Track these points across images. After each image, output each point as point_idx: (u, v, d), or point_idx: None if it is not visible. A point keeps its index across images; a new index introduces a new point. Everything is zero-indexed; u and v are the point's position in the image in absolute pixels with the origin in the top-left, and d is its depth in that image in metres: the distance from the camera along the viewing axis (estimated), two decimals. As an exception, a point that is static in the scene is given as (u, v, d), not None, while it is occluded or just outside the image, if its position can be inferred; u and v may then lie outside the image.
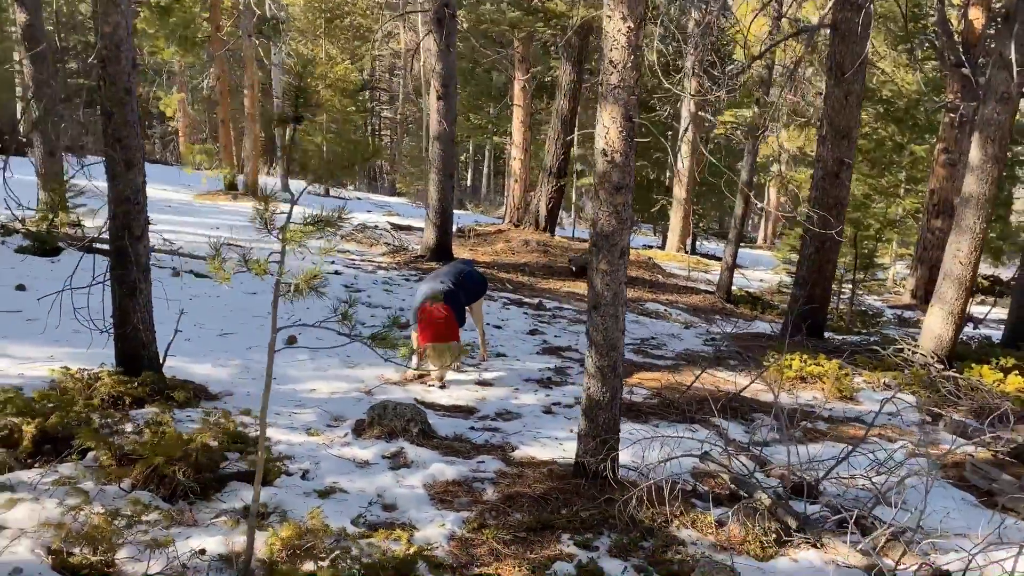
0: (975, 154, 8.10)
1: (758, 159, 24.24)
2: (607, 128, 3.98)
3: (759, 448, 5.28)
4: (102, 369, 5.15)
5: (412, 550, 3.50)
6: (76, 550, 3.25)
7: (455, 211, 28.11)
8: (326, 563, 3.17)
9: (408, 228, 16.63)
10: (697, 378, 6.93)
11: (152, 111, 32.72)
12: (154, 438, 4.08)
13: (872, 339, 10.89)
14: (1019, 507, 5.01)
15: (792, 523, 4.31)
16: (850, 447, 5.12)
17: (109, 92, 4.70)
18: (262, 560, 3.35)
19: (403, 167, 34.88)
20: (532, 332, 8.87)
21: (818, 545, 4.19)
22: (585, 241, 18.64)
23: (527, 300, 10.46)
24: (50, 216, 9.67)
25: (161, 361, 5.44)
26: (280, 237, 2.98)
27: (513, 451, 5.21)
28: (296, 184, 27.04)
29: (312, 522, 3.55)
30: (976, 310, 16.21)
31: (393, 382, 6.54)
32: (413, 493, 4.37)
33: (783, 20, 12.05)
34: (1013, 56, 7.28)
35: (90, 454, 4.08)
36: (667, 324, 10.80)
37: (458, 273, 6.99)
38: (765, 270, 21.48)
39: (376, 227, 15.19)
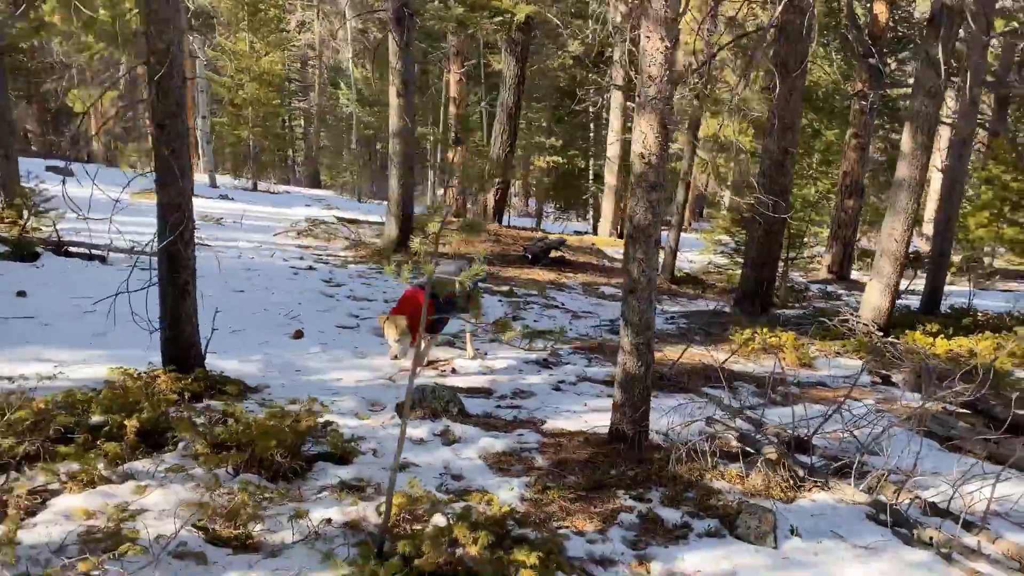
0: (906, 143, 9.05)
1: (680, 146, 25.31)
2: (644, 134, 4.55)
3: (760, 411, 5.98)
4: (157, 369, 5.41)
5: (504, 510, 3.99)
6: (216, 526, 3.63)
7: (378, 202, 28.26)
8: (453, 520, 3.63)
9: (355, 221, 16.81)
10: (683, 353, 7.61)
11: (51, 107, 31.59)
12: (237, 426, 4.45)
13: (811, 312, 11.89)
14: (976, 448, 5.87)
15: (800, 471, 5.01)
16: (833, 407, 5.88)
17: (162, 105, 4.97)
18: (380, 525, 3.80)
19: (327, 159, 34.71)
20: (514, 318, 9.40)
21: (826, 488, 4.89)
22: (526, 230, 19.25)
23: (497, 288, 10.97)
24: (20, 222, 9.61)
25: (203, 359, 5.74)
26: (431, 240, 3.40)
27: (543, 424, 5.76)
28: (221, 179, 26.74)
29: (414, 490, 4.00)
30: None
31: (407, 369, 6.96)
32: (473, 464, 4.87)
33: (719, 18, 12.89)
34: (940, 56, 8.20)
35: (180, 444, 4.41)
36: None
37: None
38: (692, 251, 22.54)
39: (330, 222, 15.37)
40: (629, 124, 22.74)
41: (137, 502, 3.71)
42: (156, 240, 5.31)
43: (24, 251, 8.95)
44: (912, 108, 9.03)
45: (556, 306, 10.56)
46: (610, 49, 22.12)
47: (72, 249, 9.57)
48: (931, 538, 4.29)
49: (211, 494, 3.76)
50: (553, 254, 14.34)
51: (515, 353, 7.86)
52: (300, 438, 4.40)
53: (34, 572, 3.00)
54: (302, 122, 41.14)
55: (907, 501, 4.77)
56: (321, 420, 4.94)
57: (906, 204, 9.16)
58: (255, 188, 25.86)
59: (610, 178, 21.94)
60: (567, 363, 7.63)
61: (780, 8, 8.31)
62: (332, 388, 6.17)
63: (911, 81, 22.48)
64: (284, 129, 34.40)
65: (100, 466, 3.96)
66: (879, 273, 9.58)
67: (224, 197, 19.28)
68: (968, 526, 4.49)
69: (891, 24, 19.24)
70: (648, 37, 4.38)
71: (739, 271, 15.32)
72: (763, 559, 3.94)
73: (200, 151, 24.87)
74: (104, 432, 4.28)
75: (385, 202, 28.14)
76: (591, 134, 26.06)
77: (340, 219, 16.57)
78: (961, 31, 10.35)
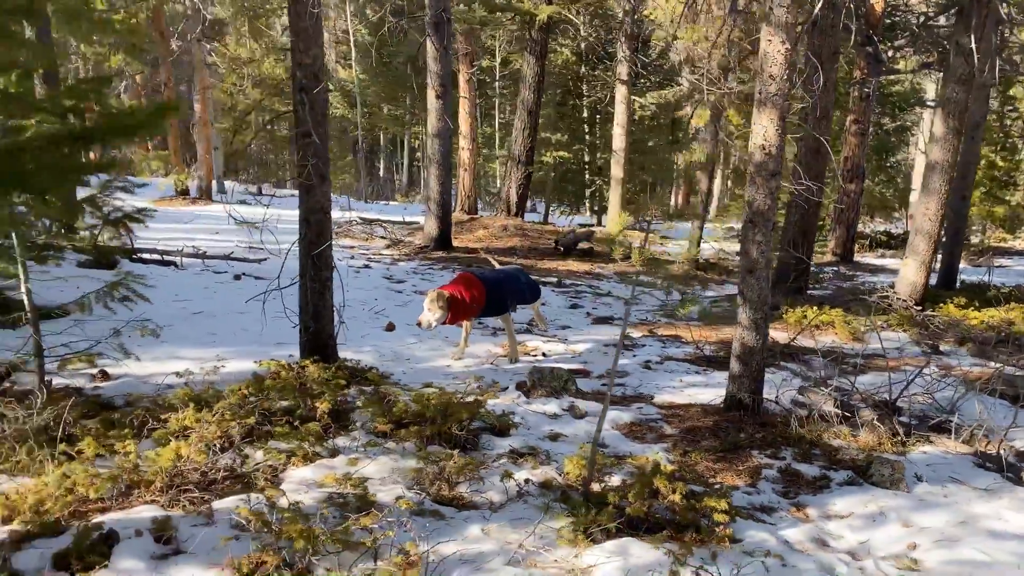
0: (939, 127, 9.62)
1: (681, 137, 25.85)
2: (765, 128, 5.03)
3: (853, 379, 6.49)
4: (303, 360, 5.81)
5: (669, 468, 4.46)
6: (431, 490, 4.07)
7: (384, 203, 28.60)
8: (620, 479, 4.09)
9: (377, 221, 17.18)
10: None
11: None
12: (410, 406, 4.88)
13: (833, 290, 12.45)
14: (1046, 405, 6.43)
15: (901, 429, 5.53)
16: (914, 373, 6.41)
17: (312, 115, 5.38)
18: (568, 483, 4.27)
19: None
20: (573, 307, 9.87)
21: (929, 442, 5.42)
22: (541, 224, 19.69)
23: (546, 279, 11.43)
24: (95, 232, 9.91)
25: (337, 350, 6.15)
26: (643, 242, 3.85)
27: (652, 399, 6.24)
28: (228, 184, 26.95)
29: (585, 451, 4.47)
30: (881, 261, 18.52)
31: (502, 355, 7.41)
32: (610, 433, 5.33)
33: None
34: (973, 45, 8.76)
35: (359, 423, 4.85)
36: (664, 293, 12.01)
37: (510, 276, 7.74)
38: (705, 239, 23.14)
39: (357, 222, 15.73)
40: (634, 116, 23.31)
41: (356, 472, 4.14)
42: (300, 240, 5.70)
43: (104, 259, 9.27)
44: (944, 94, 9.61)
45: (604, 293, 11.04)
46: (612, 46, 22.64)
47: (145, 256, 9.90)
48: (1036, 479, 4.83)
49: (424, 463, 4.21)
50: (582, 246, 14.82)
51: (590, 337, 8.33)
52: (472, 415, 4.85)
53: (319, 526, 3.42)
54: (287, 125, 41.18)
55: (1004, 451, 5.31)
56: (470, 399, 5.40)
57: (939, 185, 9.74)
58: (260, 192, 26.07)
59: (616, 170, 22.37)
60: (643, 345, 8.12)
61: (820, 4, 8.82)
62: (447, 373, 6.60)
63: (902, 67, 23.17)
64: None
65: (307, 443, 4.38)
66: (914, 251, 10.15)
67: (242, 202, 19.55)
68: (1062, 469, 5.03)
69: (885, 12, 19.89)
70: (769, 40, 4.86)
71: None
72: (902, 501, 4.44)
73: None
74: (297, 415, 4.71)
75: (391, 203, 28.54)
76: (584, 127, 26.59)
77: (365, 220, 16.94)
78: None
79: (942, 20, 19.85)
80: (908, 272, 10.25)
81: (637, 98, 22.79)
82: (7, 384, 5.45)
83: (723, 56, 13.31)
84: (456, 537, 3.59)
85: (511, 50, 23.75)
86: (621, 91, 21.67)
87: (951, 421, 5.83)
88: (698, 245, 15.01)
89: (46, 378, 5.01)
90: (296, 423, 4.59)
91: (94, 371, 5.66)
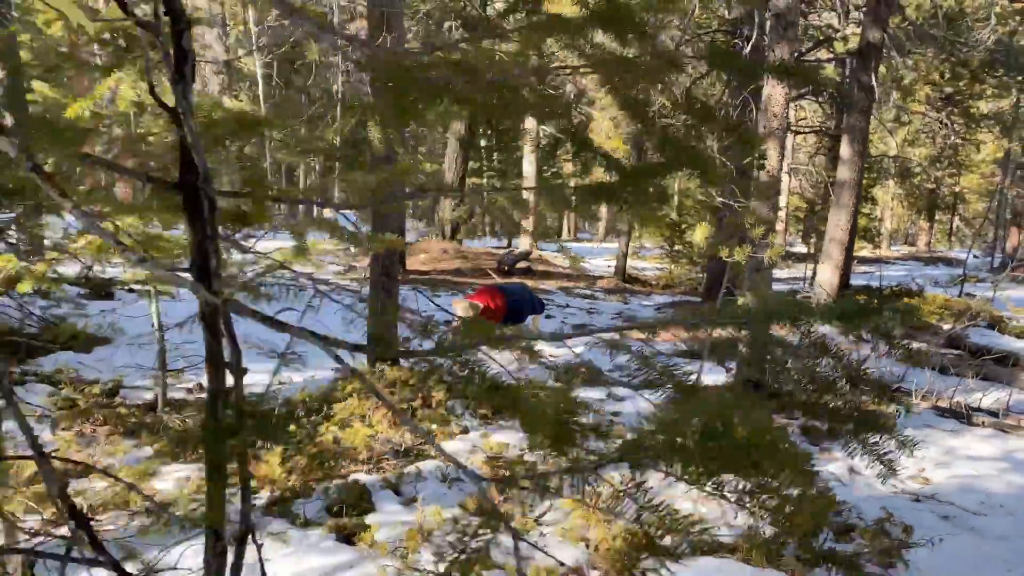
0: (845, 150, 11.34)
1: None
2: (770, 156, 6.29)
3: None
4: (379, 365, 6.57)
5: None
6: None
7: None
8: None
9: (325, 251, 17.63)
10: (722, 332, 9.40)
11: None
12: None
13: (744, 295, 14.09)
14: (968, 372, 8.00)
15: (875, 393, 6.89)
16: (866, 356, 7.85)
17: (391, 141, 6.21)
18: (656, 444, 5.30)
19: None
20: (547, 317, 10.90)
21: (897, 401, 6.80)
22: (476, 248, 20.65)
23: (509, 295, 12.41)
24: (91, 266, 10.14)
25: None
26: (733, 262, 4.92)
27: (666, 384, 7.35)
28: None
29: (663, 421, 5.51)
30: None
31: (515, 359, 8.35)
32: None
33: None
34: (874, 83, 10.51)
35: (459, 411, 5.71)
36: (610, 304, 13.26)
37: (522, 289, 8.85)
38: (600, 257, 24.73)
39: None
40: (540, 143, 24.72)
41: (489, 443, 5.02)
42: (373, 261, 6.49)
43: (101, 290, 9.58)
44: (848, 123, 11.36)
45: (563, 306, 12.15)
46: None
47: (136, 288, 10.19)
48: (983, 422, 6.26)
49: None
50: (520, 265, 15.92)
51: (579, 342, 9.38)
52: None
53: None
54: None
55: (962, 406, 6.73)
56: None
57: (848, 200, 11.46)
58: (165, 226, 25.72)
59: (527, 195, 23.70)
60: (629, 345, 9.24)
61: (749, 47, 10.36)
62: (485, 374, 7.48)
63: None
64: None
65: (439, 424, 5.22)
66: (828, 256, 11.82)
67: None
68: (994, 415, 6.51)
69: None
70: (773, 87, 6.14)
71: (680, 269, 17.50)
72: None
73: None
74: (416, 403, 5.52)
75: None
76: (483, 154, 27.88)
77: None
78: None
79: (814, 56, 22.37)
80: (824, 275, 11.90)
81: (544, 127, 24.25)
82: (120, 398, 5.99)
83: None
84: (604, 481, 4.55)
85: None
86: (529, 119, 23.04)
87: (904, 387, 7.28)
88: (625, 259, 16.40)
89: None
90: (417, 409, 5.41)
91: (190, 384, 6.23)
